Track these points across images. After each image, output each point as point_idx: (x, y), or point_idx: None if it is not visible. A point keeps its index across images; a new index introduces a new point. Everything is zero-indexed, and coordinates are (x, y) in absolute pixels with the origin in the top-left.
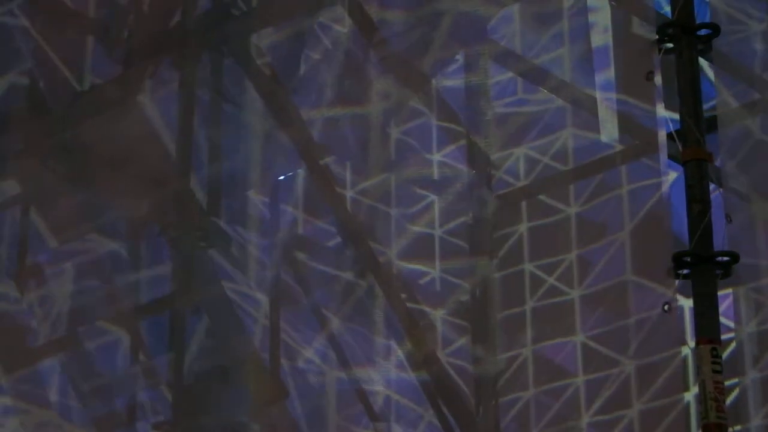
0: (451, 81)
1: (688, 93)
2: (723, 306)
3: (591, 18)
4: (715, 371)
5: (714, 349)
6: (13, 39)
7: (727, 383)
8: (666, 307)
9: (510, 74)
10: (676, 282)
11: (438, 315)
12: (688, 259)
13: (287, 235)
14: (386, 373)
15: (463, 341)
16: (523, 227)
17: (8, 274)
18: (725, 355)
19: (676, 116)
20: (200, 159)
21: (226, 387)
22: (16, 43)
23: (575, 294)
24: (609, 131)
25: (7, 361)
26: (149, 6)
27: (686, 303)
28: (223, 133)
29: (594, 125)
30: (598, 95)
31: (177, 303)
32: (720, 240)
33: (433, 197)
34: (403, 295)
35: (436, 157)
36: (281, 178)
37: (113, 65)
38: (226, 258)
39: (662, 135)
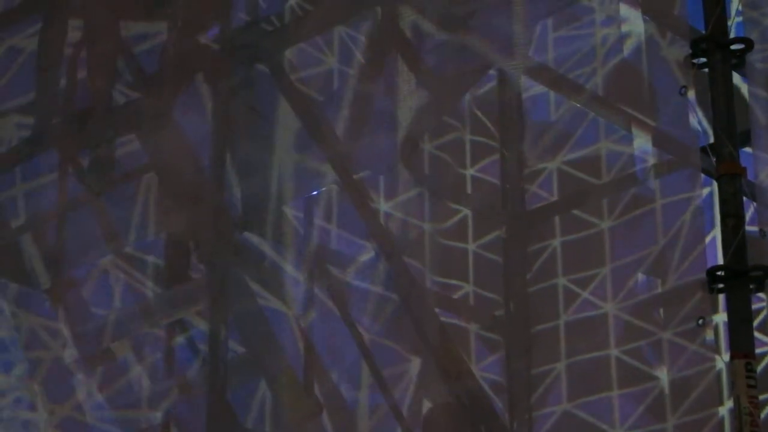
0: (485, 96)
1: (721, 107)
2: (756, 320)
3: (624, 32)
4: (749, 386)
5: (749, 363)
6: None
7: (761, 397)
8: (700, 322)
9: (543, 88)
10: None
11: (472, 329)
12: (722, 274)
13: (321, 249)
14: (419, 387)
15: (497, 356)
16: (556, 242)
17: (43, 289)
18: (759, 369)
19: (710, 130)
20: (234, 174)
21: (261, 401)
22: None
23: (609, 308)
24: (642, 145)
25: (42, 375)
26: (183, 22)
27: (720, 317)
28: (256, 148)
29: (627, 139)
30: (631, 109)
31: (211, 318)
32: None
33: (466, 212)
34: (437, 310)
35: (470, 171)
36: (315, 193)
37: (148, 81)
38: (260, 273)
39: (696, 149)
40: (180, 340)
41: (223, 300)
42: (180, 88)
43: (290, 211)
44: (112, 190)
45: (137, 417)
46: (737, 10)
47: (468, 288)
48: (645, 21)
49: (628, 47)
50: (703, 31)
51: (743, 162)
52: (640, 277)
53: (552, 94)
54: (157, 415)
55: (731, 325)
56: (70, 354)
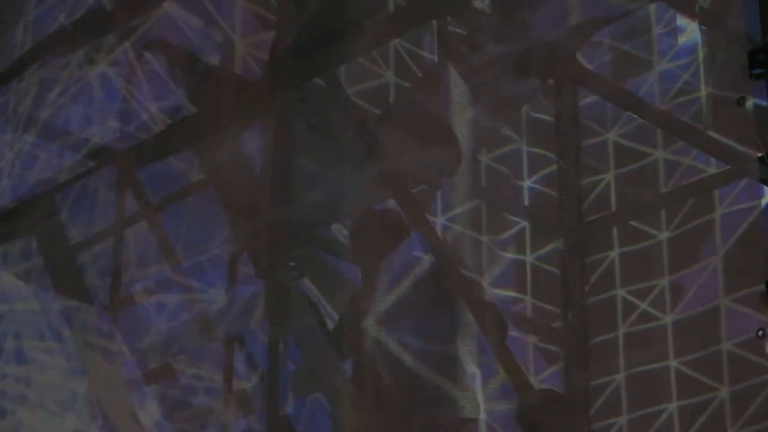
0: (541, 107)
1: None
2: None
3: (681, 43)
4: None
5: None
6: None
7: None
8: (760, 333)
9: (599, 99)
10: None
11: (530, 342)
12: None
13: None
14: (478, 401)
15: (555, 368)
16: (614, 253)
17: (102, 306)
18: None
19: None
20: (292, 189)
21: (322, 416)
22: (110, 80)
23: (668, 319)
24: (700, 155)
25: (101, 392)
26: (241, 35)
27: None
28: (313, 162)
29: (685, 150)
30: (688, 119)
31: (270, 333)
32: None
33: (524, 223)
34: (495, 322)
35: (527, 183)
36: (373, 207)
37: (206, 95)
38: (318, 288)
39: (753, 159)
40: (239, 355)
41: (282, 315)
42: (237, 103)
43: (347, 226)
44: (170, 206)
45: None
46: None
47: (526, 300)
48: (702, 31)
49: (684, 57)
50: (761, 42)
51: None
52: (699, 288)
53: (608, 105)
54: (216, 431)
55: None
56: (128, 370)
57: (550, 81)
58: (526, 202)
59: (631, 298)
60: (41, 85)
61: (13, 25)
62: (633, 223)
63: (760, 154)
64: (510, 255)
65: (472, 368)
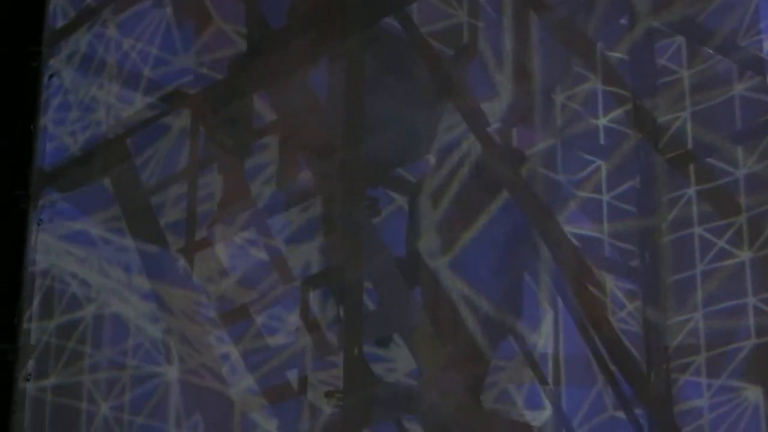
0: (616, 45)
1: None
2: None
3: None
4: None
5: None
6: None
7: None
8: None
9: (674, 35)
10: None
11: (608, 280)
12: None
13: (456, 199)
14: (556, 337)
15: (633, 306)
16: (691, 191)
17: (179, 249)
18: None
19: None
20: (365, 129)
21: (397, 355)
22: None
23: (745, 256)
24: None
25: (178, 335)
26: None
27: None
28: (388, 102)
29: (761, 86)
30: (766, 54)
31: (346, 273)
32: None
33: (600, 162)
34: (572, 260)
35: (602, 121)
36: (449, 145)
37: (277, 37)
38: (392, 227)
39: None
40: (315, 296)
41: (357, 255)
42: (310, 44)
43: (429, 161)
44: (244, 147)
45: (274, 374)
46: None
47: (603, 238)
48: None
49: None
50: None
51: None
52: None
53: (683, 40)
54: (294, 371)
55: None
56: (205, 312)
57: (623, 20)
58: (602, 141)
59: (708, 236)
60: (113, 28)
61: None
62: (710, 160)
63: None
64: (586, 194)
65: (545, 305)
